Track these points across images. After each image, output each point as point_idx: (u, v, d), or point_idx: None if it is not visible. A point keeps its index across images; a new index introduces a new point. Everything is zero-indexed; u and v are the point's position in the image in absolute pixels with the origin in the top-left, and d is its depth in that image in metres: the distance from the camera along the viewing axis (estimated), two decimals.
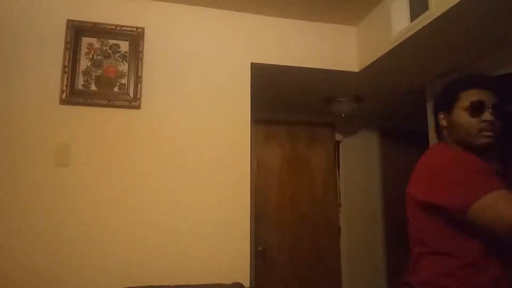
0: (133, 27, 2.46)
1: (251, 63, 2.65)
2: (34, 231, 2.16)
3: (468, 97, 1.22)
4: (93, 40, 2.41)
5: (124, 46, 2.44)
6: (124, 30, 2.45)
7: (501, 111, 1.20)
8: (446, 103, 1.29)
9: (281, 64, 2.72)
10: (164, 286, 2.09)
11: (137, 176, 2.35)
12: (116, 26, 2.44)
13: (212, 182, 2.45)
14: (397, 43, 2.38)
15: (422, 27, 2.16)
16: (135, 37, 2.46)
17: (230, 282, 2.19)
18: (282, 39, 2.76)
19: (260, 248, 3.47)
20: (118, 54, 2.43)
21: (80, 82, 2.34)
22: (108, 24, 2.43)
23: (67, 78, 2.31)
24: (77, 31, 2.38)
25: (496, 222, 1.06)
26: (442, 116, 1.30)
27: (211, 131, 2.51)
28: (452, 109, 1.26)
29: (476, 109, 1.20)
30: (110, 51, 2.42)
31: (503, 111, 1.20)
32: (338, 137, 3.90)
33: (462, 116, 1.22)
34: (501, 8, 1.94)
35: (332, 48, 2.85)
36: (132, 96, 2.40)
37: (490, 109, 1.19)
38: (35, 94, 2.28)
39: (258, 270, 3.39)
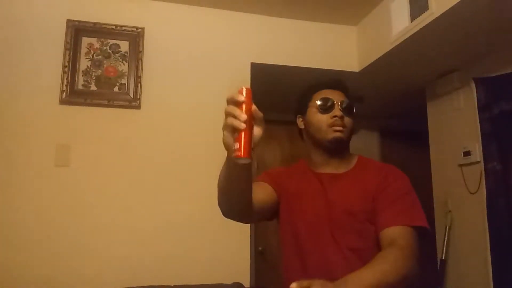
0: (133, 27, 2.46)
1: (251, 63, 2.65)
2: (33, 231, 2.16)
3: (319, 96, 1.30)
4: (93, 40, 2.40)
5: (124, 46, 2.44)
6: (124, 30, 2.45)
7: (349, 108, 1.27)
8: (301, 106, 1.36)
9: (281, 64, 2.72)
10: (164, 286, 2.09)
11: (137, 175, 2.34)
12: (116, 26, 2.44)
13: (212, 182, 2.44)
14: (397, 43, 2.38)
15: (422, 27, 2.16)
16: (135, 37, 2.46)
17: (230, 282, 2.19)
18: (282, 39, 2.76)
19: (260, 248, 3.46)
20: (118, 54, 2.43)
21: (80, 82, 2.34)
22: (108, 24, 2.43)
23: (67, 78, 2.31)
24: (77, 31, 2.37)
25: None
26: (300, 119, 1.38)
27: (211, 131, 2.50)
28: (306, 110, 1.33)
29: (325, 106, 1.27)
30: (110, 51, 2.42)
31: (351, 109, 1.27)
32: None
33: (314, 115, 1.29)
34: (501, 8, 1.94)
35: (332, 48, 2.85)
36: (132, 96, 2.40)
37: (339, 106, 1.25)
38: (35, 94, 2.28)
39: (258, 270, 3.39)
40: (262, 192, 1.25)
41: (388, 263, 1.03)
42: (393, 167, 1.27)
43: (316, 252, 1.18)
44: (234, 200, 1.15)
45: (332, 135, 1.24)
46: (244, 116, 0.87)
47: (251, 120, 0.89)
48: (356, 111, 1.29)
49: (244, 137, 0.86)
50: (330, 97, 1.27)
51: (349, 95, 1.31)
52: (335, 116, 1.24)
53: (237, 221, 1.25)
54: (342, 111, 1.25)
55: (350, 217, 1.17)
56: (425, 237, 1.17)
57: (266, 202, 1.26)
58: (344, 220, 1.18)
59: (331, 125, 1.24)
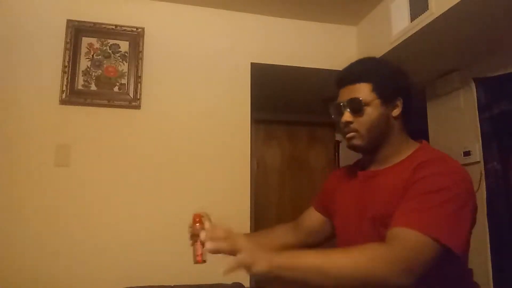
0: (133, 27, 2.46)
1: (251, 63, 2.65)
2: (33, 231, 2.15)
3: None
4: (93, 40, 2.40)
5: (124, 46, 2.44)
6: (124, 30, 2.45)
7: (356, 106, 1.06)
8: None
9: (281, 64, 2.72)
10: (164, 286, 2.09)
11: (137, 175, 2.34)
12: (116, 26, 2.44)
13: (212, 182, 2.45)
14: (397, 43, 2.38)
15: (422, 27, 2.15)
16: (135, 37, 2.46)
17: (230, 282, 2.18)
18: (282, 39, 2.75)
19: None
20: (118, 54, 2.43)
21: (80, 82, 2.34)
22: (108, 24, 2.43)
23: (67, 78, 2.31)
24: (77, 31, 2.37)
25: None
26: None
27: (211, 130, 2.51)
28: None
29: (334, 114, 1.11)
30: (110, 51, 2.42)
31: (359, 106, 1.05)
32: (338, 137, 3.89)
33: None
34: (501, 8, 1.94)
35: (332, 48, 2.84)
36: (132, 96, 2.40)
37: (347, 108, 1.07)
38: (35, 94, 2.28)
39: None
40: (310, 220, 1.32)
41: (347, 255, 0.88)
42: (439, 160, 1.02)
43: None
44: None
45: (348, 143, 1.11)
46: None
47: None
48: (372, 103, 1.05)
49: (195, 248, 1.13)
50: (338, 100, 1.10)
51: (370, 78, 1.10)
52: (342, 123, 1.09)
53: None
54: (350, 112, 1.07)
55: (376, 224, 1.00)
56: (452, 260, 0.93)
57: (318, 230, 1.30)
58: (370, 228, 1.02)
59: (344, 133, 1.10)
